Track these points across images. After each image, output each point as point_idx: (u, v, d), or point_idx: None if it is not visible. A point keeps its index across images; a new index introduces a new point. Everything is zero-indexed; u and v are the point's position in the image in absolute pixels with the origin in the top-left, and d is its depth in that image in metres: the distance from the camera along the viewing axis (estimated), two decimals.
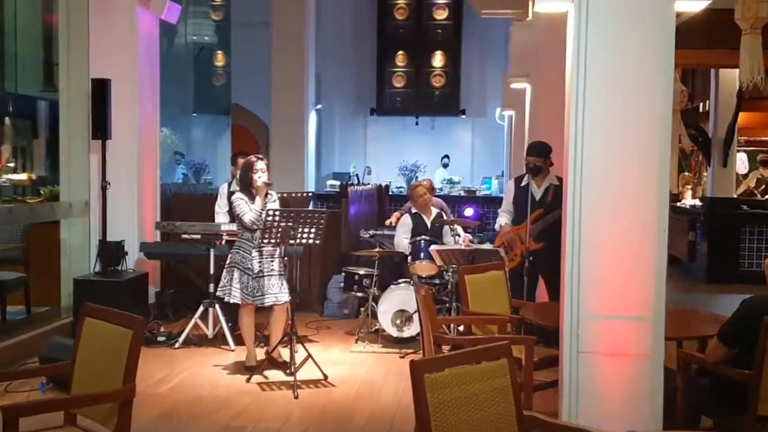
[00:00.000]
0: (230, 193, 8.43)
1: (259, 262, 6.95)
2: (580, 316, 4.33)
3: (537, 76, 8.98)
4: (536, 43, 8.58)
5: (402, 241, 8.70)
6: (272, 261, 6.98)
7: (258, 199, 6.96)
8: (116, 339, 3.88)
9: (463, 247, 7.75)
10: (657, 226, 4.26)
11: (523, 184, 7.63)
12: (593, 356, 4.33)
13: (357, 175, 16.77)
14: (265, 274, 6.96)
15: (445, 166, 17.86)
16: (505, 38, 15.55)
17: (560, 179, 7.44)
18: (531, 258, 7.28)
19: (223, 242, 8.18)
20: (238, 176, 8.30)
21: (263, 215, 6.79)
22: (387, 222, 10.26)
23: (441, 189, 15.98)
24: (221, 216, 8.44)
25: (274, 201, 7.18)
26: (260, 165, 7.00)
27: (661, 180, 4.27)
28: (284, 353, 7.16)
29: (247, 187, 7.02)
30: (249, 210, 6.92)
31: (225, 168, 8.20)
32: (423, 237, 8.40)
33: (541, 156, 7.49)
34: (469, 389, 3.26)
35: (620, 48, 4.26)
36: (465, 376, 3.27)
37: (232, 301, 7.05)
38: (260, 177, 6.96)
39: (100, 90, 8.20)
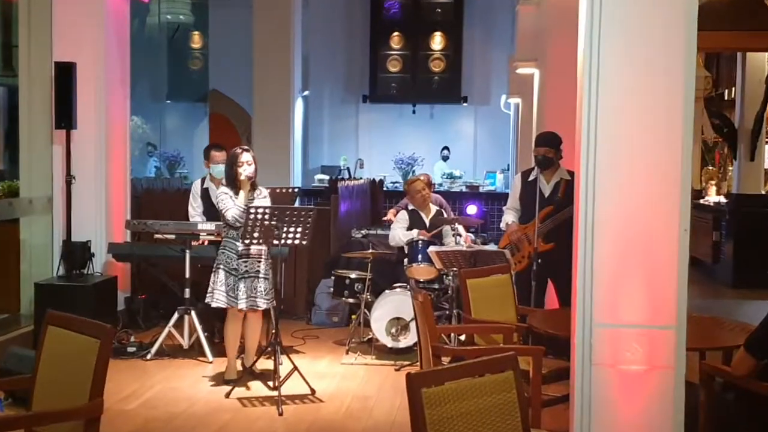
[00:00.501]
0: (204, 191, 8.44)
1: (245, 262, 6.96)
2: (593, 325, 4.33)
3: (547, 61, 8.99)
4: (546, 24, 8.61)
5: (398, 233, 8.68)
6: (260, 262, 6.98)
7: (242, 194, 6.97)
8: (82, 350, 3.86)
9: (464, 249, 7.75)
10: (678, 226, 4.26)
11: (530, 178, 7.64)
12: (608, 369, 4.33)
13: (348, 169, 16.77)
14: (251, 275, 6.97)
15: (445, 158, 17.89)
16: (512, 18, 15.57)
17: (572, 173, 7.43)
18: (539, 260, 7.29)
19: (206, 242, 8.17)
20: (211, 171, 8.35)
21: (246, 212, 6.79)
22: (384, 219, 10.23)
23: (441, 184, 16.02)
24: (197, 218, 8.45)
25: (264, 197, 7.19)
26: (245, 157, 7.03)
27: (683, 175, 4.27)
28: (266, 365, 7.16)
29: (233, 181, 7.05)
30: (233, 205, 6.93)
31: (202, 161, 8.22)
32: (421, 237, 8.40)
33: (551, 147, 7.50)
34: (472, 405, 3.26)
35: (638, 30, 4.26)
36: (467, 391, 3.27)
37: (214, 305, 7.07)
38: (245, 170, 6.98)
39: (64, 74, 8.17)
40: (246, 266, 6.99)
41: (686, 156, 4.27)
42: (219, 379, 7.23)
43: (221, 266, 7.04)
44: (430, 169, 16.46)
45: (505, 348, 5.27)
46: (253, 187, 7.16)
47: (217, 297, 7.02)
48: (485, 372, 3.35)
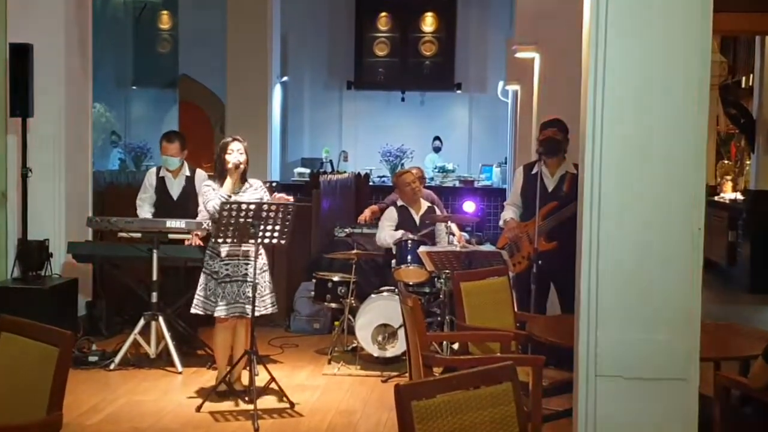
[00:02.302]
0: (159, 180, 8.44)
1: (227, 265, 6.98)
2: (598, 333, 4.34)
3: (548, 44, 9.00)
4: (548, 4, 8.61)
5: (384, 234, 8.69)
6: (247, 265, 6.98)
7: (227, 183, 6.97)
8: (39, 358, 3.85)
9: (458, 249, 7.76)
10: (691, 225, 4.27)
11: (533, 171, 7.62)
12: (614, 381, 4.34)
13: (331, 162, 16.80)
14: (235, 279, 6.98)
15: (437, 150, 17.91)
16: None
17: (577, 167, 7.46)
18: (540, 261, 7.28)
19: (194, 243, 8.18)
20: (165, 162, 8.35)
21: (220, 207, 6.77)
22: (360, 218, 10.17)
23: (432, 179, 16.04)
24: (145, 209, 8.44)
25: (256, 190, 7.19)
26: (235, 145, 7.06)
27: (696, 169, 4.28)
28: (242, 377, 7.18)
29: (222, 174, 7.06)
30: (214, 197, 6.92)
31: None
32: (410, 236, 8.40)
33: (561, 129, 7.47)
34: (467, 419, 3.27)
35: (647, 11, 4.27)
36: (461, 404, 3.27)
37: (192, 310, 7.13)
38: (233, 157, 7.00)
39: (20, 57, 8.17)
40: (228, 269, 6.96)
41: (700, 148, 4.28)
42: (188, 392, 7.23)
43: (203, 269, 7.06)
44: (421, 161, 16.50)
45: (503, 358, 5.27)
46: (243, 179, 7.15)
47: (196, 302, 7.04)
48: (481, 384, 3.36)
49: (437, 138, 17.90)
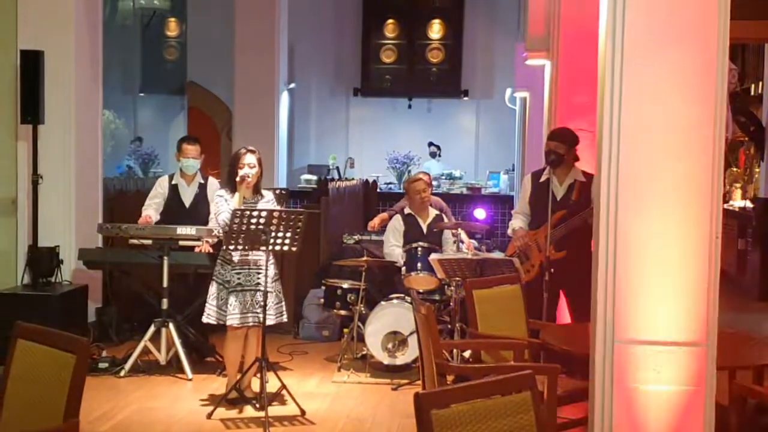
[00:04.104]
0: (172, 187, 8.44)
1: (238, 273, 6.97)
2: (614, 341, 4.33)
3: (560, 52, 8.96)
4: (560, 10, 8.58)
5: (394, 250, 8.69)
6: (259, 274, 6.97)
7: (236, 196, 6.97)
8: (55, 366, 3.85)
9: (469, 256, 7.73)
10: (709, 232, 4.27)
11: (542, 179, 7.61)
12: (631, 389, 4.33)
13: (338, 169, 16.79)
14: (247, 288, 6.97)
15: (433, 155, 17.78)
16: (518, 4, 15.59)
17: (587, 175, 7.46)
18: (552, 269, 7.26)
19: (205, 250, 8.15)
20: (181, 165, 8.36)
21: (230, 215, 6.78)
22: (369, 225, 10.17)
23: (438, 186, 16.01)
24: (150, 210, 8.43)
25: (267, 202, 7.18)
26: (248, 158, 7.04)
27: (713, 176, 4.27)
28: (253, 384, 7.17)
29: (232, 183, 7.07)
30: (226, 209, 6.92)
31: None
32: (420, 244, 8.38)
33: (564, 142, 7.47)
34: (486, 428, 3.26)
35: (666, 18, 4.26)
36: (481, 413, 3.26)
37: (204, 320, 7.10)
38: (243, 172, 6.99)
39: (31, 64, 8.17)
40: (239, 278, 6.96)
41: (718, 155, 4.28)
42: (199, 399, 7.23)
43: (214, 278, 7.05)
44: (414, 170, 16.43)
45: (517, 366, 5.26)
46: (256, 191, 7.16)
47: (208, 312, 7.03)
48: (501, 392, 3.35)
49: (432, 144, 17.79)
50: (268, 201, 7.21)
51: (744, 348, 5.50)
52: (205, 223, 7.91)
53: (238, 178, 6.99)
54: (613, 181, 4.33)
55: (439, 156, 17.89)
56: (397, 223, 8.85)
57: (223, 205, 7.00)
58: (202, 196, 8.47)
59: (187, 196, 8.50)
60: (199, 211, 8.31)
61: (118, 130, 17.39)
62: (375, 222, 9.88)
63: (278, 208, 7.27)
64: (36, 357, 3.98)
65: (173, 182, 8.53)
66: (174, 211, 8.43)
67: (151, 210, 8.44)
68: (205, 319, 7.10)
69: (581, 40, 7.65)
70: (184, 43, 18.29)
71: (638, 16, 4.27)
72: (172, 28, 18.63)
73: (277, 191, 9.40)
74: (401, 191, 15.80)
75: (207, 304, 7.06)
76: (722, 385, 4.69)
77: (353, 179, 14.68)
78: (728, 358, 4.80)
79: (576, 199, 7.44)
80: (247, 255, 6.96)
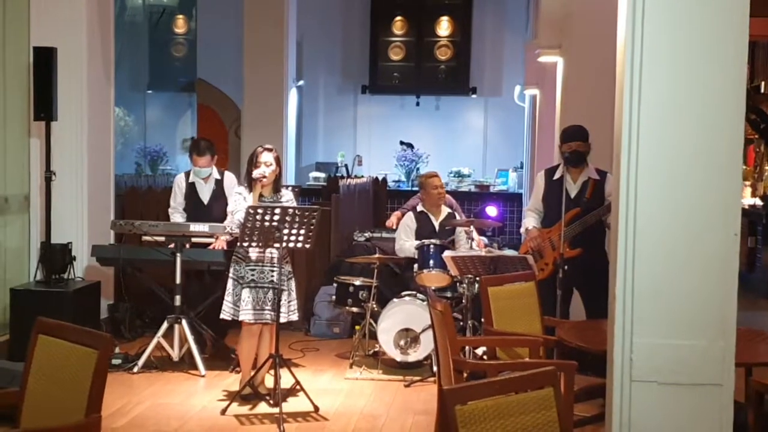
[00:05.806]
0: (189, 186, 8.47)
1: (252, 270, 6.99)
2: (633, 338, 4.34)
3: (573, 48, 8.95)
4: (574, 5, 8.57)
5: (404, 244, 8.70)
6: (273, 272, 6.99)
7: (252, 194, 6.99)
8: (78, 361, 3.87)
9: (483, 254, 7.74)
10: (727, 230, 4.27)
11: (555, 177, 7.62)
12: (649, 386, 4.33)
13: (346, 166, 16.79)
14: (261, 285, 6.99)
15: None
16: (527, 1, 15.58)
17: (600, 172, 7.47)
18: (566, 267, 7.25)
19: (221, 247, 8.18)
20: (196, 172, 8.40)
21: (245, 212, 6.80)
22: (387, 223, 10.22)
23: (447, 183, 15.98)
24: (177, 216, 8.47)
25: (287, 202, 7.20)
26: (264, 157, 7.05)
27: (732, 174, 4.28)
28: (267, 381, 7.19)
29: (250, 183, 7.09)
30: (243, 207, 6.93)
31: (187, 156, 8.31)
32: (432, 241, 8.39)
33: (585, 140, 7.46)
34: (509, 424, 3.28)
35: (684, 15, 4.26)
36: (504, 409, 3.28)
37: (222, 316, 7.13)
38: (260, 171, 7.00)
39: (44, 60, 8.16)
40: (254, 275, 6.99)
41: (736, 153, 4.28)
42: (212, 395, 7.25)
43: (230, 274, 7.08)
44: (436, 166, 16.40)
45: (533, 363, 5.27)
46: (276, 190, 7.18)
47: (225, 308, 7.07)
48: (524, 388, 3.36)
49: (402, 142, 17.66)
50: (287, 200, 7.22)
51: (759, 345, 5.51)
52: (224, 218, 7.92)
53: (253, 177, 7.00)
54: (631, 179, 4.33)
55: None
56: (409, 221, 8.86)
57: (241, 203, 7.01)
58: (219, 192, 8.51)
59: (205, 193, 8.54)
60: (218, 207, 8.35)
61: (128, 127, 17.38)
62: (392, 220, 9.95)
63: (295, 205, 7.29)
64: (58, 352, 4.01)
65: (190, 180, 8.56)
66: (193, 207, 8.48)
67: (177, 215, 8.52)
68: (222, 315, 7.13)
69: (595, 35, 7.64)
70: (192, 40, 18.27)
71: (656, 12, 4.27)
72: (181, 26, 18.60)
73: (292, 189, 9.41)
74: (409, 189, 15.84)
75: (224, 301, 7.09)
76: (738, 383, 4.69)
77: (361, 176, 14.68)
78: (744, 355, 4.81)
79: (589, 197, 7.44)
80: (263, 252, 6.97)
